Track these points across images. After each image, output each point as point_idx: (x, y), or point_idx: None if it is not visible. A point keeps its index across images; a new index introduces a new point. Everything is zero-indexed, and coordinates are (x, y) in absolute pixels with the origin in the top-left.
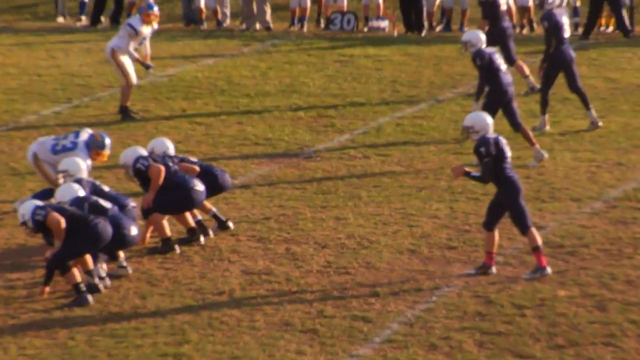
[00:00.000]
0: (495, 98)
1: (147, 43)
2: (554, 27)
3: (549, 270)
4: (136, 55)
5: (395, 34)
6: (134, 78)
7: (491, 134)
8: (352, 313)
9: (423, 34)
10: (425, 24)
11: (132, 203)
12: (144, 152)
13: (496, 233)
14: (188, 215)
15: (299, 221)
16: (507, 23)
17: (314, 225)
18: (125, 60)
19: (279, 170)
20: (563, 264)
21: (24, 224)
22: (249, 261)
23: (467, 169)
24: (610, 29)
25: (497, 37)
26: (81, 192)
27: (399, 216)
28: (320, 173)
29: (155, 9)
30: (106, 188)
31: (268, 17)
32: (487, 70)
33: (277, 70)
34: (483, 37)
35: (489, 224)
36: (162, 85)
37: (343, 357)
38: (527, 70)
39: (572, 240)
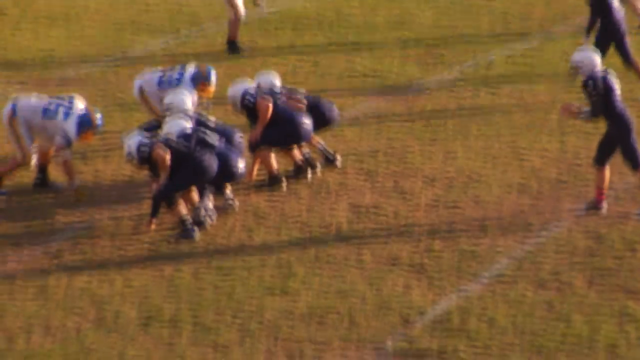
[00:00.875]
0: (607, 33)
1: None
2: None
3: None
4: None
5: None
6: (242, 10)
7: (599, 70)
8: (461, 248)
9: None
10: None
11: (239, 135)
12: (251, 86)
13: (607, 169)
14: (296, 150)
15: (407, 155)
16: None
17: (423, 159)
18: None
19: (388, 104)
20: None
21: (129, 157)
22: (357, 195)
23: (576, 107)
24: None
25: None
26: (188, 126)
27: (509, 151)
28: (430, 107)
29: None
30: (212, 120)
31: None
32: (599, 4)
33: (386, 3)
34: None
35: (600, 160)
36: (270, 18)
37: (451, 292)
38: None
39: None
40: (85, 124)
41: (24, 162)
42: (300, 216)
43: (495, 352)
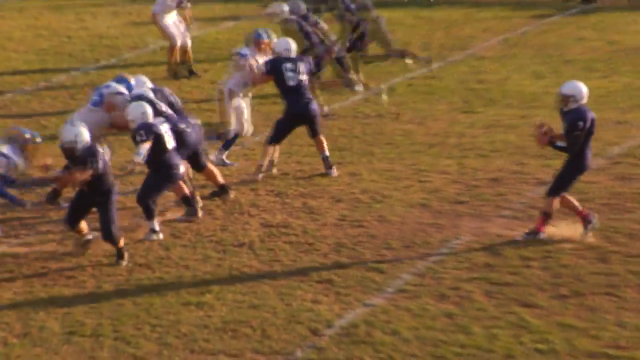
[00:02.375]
0: None
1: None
2: None
3: (542, 235)
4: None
5: None
6: (177, 39)
7: (587, 107)
8: (366, 264)
9: None
10: None
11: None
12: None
13: (570, 198)
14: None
15: (315, 177)
16: None
17: (329, 180)
18: (168, 23)
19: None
20: (567, 217)
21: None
22: (268, 214)
23: (553, 137)
24: None
25: None
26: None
27: (411, 172)
28: (336, 131)
29: None
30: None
31: None
32: None
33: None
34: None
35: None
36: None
37: (357, 306)
38: None
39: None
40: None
41: None
42: (215, 234)
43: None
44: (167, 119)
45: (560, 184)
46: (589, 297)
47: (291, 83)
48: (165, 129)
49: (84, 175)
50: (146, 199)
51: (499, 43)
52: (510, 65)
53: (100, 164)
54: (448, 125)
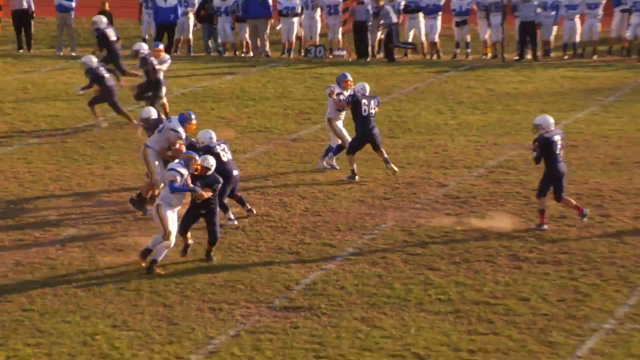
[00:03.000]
0: None
1: None
2: None
3: (545, 227)
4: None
5: (350, 59)
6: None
7: (550, 132)
8: (323, 241)
9: (368, 59)
10: (369, 52)
11: None
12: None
13: (545, 199)
14: None
15: (288, 181)
16: None
17: (297, 182)
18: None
19: (275, 148)
20: (459, 209)
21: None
22: (255, 207)
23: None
24: (489, 56)
25: None
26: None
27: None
28: (302, 150)
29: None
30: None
31: (267, 48)
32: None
33: (273, 83)
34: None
35: (540, 194)
36: (198, 93)
37: (316, 270)
38: None
39: (464, 194)
40: None
41: None
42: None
43: (344, 308)
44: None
45: (540, 188)
46: (475, 263)
47: (364, 113)
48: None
49: (208, 194)
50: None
51: (413, 90)
52: (421, 105)
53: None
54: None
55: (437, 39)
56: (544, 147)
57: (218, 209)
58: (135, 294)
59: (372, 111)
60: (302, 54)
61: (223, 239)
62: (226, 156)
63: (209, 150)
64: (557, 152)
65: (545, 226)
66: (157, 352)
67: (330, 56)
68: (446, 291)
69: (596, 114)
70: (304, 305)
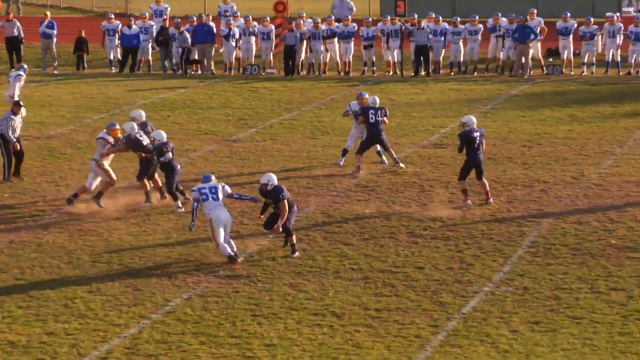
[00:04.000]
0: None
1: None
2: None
3: (468, 202)
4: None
5: (279, 76)
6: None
7: (471, 128)
8: (258, 222)
9: (294, 75)
10: (296, 70)
11: None
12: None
13: (464, 183)
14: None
15: (230, 174)
16: None
17: (237, 175)
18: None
19: (219, 148)
20: (367, 196)
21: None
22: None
23: None
24: (391, 73)
25: None
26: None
27: (284, 175)
28: (241, 149)
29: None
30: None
31: (212, 67)
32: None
33: (217, 95)
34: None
35: (461, 176)
36: (157, 103)
37: (253, 245)
38: None
39: (372, 184)
40: None
41: None
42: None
43: (276, 276)
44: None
45: (461, 172)
46: (380, 239)
47: (371, 120)
48: None
49: (285, 205)
50: None
51: (330, 100)
52: (336, 112)
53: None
54: (302, 146)
55: (350, 59)
56: (465, 140)
57: (292, 210)
58: (107, 265)
59: (379, 119)
60: (241, 71)
61: (178, 221)
62: (171, 153)
63: (161, 147)
64: (475, 145)
65: (469, 201)
66: (124, 313)
67: (263, 73)
68: (357, 262)
69: (477, 119)
70: (243, 274)
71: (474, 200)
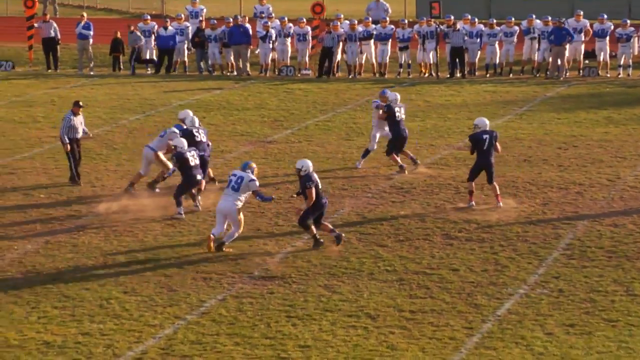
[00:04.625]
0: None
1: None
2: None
3: (472, 204)
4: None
5: (315, 77)
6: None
7: (484, 130)
8: (293, 223)
9: (330, 77)
10: (332, 71)
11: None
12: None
13: (473, 184)
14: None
15: (264, 175)
16: None
17: (272, 176)
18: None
19: (254, 149)
20: (402, 197)
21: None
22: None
23: None
24: (426, 75)
25: None
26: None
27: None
28: (276, 150)
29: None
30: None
31: (248, 69)
32: None
33: (253, 96)
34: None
35: (470, 178)
36: (192, 104)
37: (288, 246)
38: None
39: (407, 185)
40: None
41: None
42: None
43: (310, 277)
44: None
45: (470, 174)
46: (415, 241)
47: (397, 119)
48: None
49: (311, 194)
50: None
51: (365, 102)
52: (371, 114)
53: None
54: (337, 147)
55: (387, 60)
56: (474, 142)
57: (321, 203)
58: (142, 266)
59: (403, 117)
60: (276, 73)
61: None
62: (194, 161)
63: (181, 155)
64: (485, 147)
65: (473, 203)
66: (159, 313)
67: (299, 75)
68: (392, 263)
69: (512, 121)
70: (278, 275)
71: (506, 202)
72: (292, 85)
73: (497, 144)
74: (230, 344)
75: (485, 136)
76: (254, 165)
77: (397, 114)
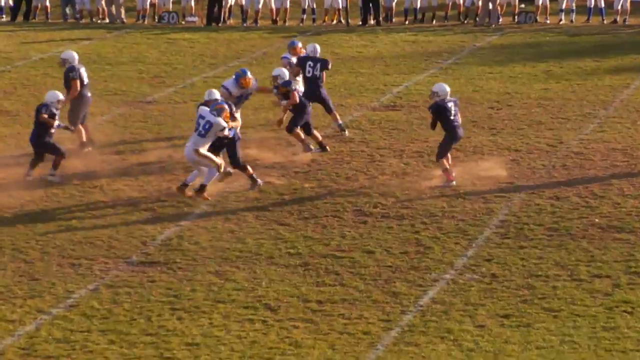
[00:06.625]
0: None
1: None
2: None
3: (453, 183)
4: None
5: (203, 25)
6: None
7: (447, 99)
8: (177, 199)
9: (220, 24)
10: (222, 18)
11: None
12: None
13: (445, 161)
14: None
15: (144, 142)
16: None
17: (153, 144)
18: None
19: (131, 110)
20: (307, 167)
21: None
22: (111, 166)
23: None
24: (334, 22)
25: None
26: None
27: None
28: (156, 112)
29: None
30: None
31: (122, 15)
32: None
33: (128, 48)
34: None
35: (439, 156)
36: (56, 58)
37: (172, 226)
38: None
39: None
40: None
41: None
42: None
43: (199, 262)
44: None
45: (439, 151)
46: (322, 218)
47: (309, 75)
48: None
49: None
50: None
51: (262, 55)
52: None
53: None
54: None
55: (287, 5)
56: (438, 113)
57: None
58: None
59: (317, 73)
60: (156, 20)
61: (82, 197)
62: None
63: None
64: (452, 117)
65: (454, 182)
66: (19, 307)
67: (183, 22)
68: (295, 245)
69: (435, 76)
70: (160, 260)
71: (429, 172)
72: (175, 34)
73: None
74: (104, 341)
75: (450, 104)
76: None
77: (308, 68)
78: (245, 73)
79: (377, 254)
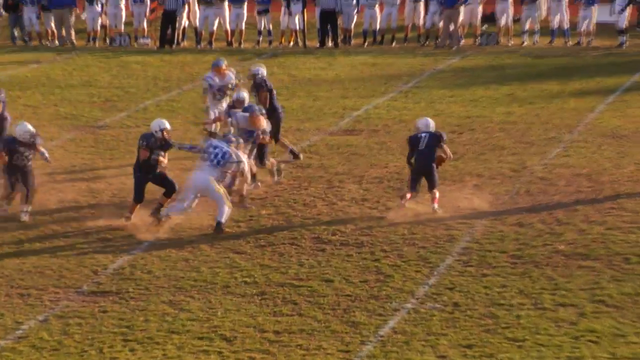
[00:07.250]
0: None
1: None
2: None
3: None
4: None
5: (156, 47)
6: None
7: (421, 133)
8: (124, 232)
9: (174, 47)
10: (176, 40)
11: None
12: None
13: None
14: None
15: (95, 168)
16: None
17: (105, 169)
18: None
19: (82, 135)
20: (264, 193)
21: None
22: (63, 194)
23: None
24: (291, 44)
25: None
26: None
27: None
28: (108, 137)
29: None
30: None
31: (72, 37)
32: None
33: (79, 71)
34: None
35: (412, 187)
36: (4, 82)
37: (124, 255)
38: None
39: (269, 179)
40: None
41: None
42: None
43: (152, 292)
44: None
45: (409, 182)
46: (279, 246)
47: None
48: None
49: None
50: None
51: None
52: None
53: None
54: (184, 133)
55: (243, 27)
56: (410, 144)
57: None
58: None
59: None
60: (108, 42)
61: (31, 225)
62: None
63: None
64: (421, 147)
65: (405, 203)
66: None
67: (135, 44)
68: (252, 274)
69: (395, 100)
70: (112, 289)
71: (389, 199)
72: (127, 57)
73: (446, 147)
74: None
75: (423, 134)
76: None
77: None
78: (218, 64)
79: (335, 283)
